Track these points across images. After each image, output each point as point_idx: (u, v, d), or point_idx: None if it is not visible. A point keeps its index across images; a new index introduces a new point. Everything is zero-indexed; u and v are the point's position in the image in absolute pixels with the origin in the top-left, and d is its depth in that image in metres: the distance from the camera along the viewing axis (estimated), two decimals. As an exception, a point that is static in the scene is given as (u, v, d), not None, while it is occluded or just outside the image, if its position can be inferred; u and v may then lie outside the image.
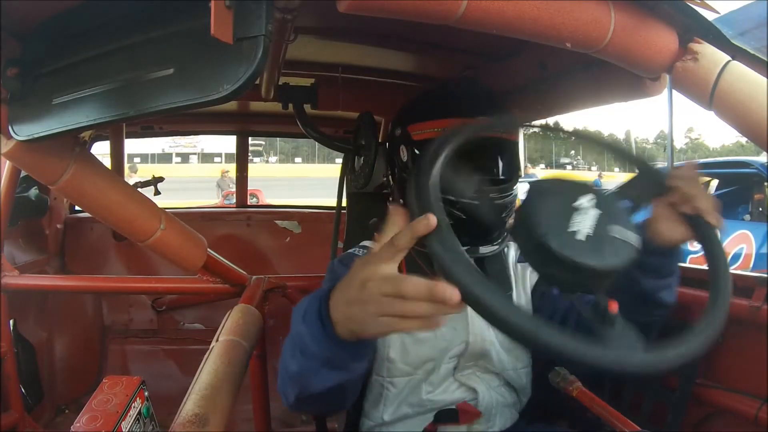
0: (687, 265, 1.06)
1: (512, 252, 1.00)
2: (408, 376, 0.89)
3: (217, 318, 1.03)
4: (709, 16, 0.73)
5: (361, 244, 0.99)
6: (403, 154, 0.93)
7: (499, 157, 0.89)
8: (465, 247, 0.82)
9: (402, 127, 0.94)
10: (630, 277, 0.75)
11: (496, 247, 0.91)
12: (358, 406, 0.95)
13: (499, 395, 0.92)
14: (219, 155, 27.94)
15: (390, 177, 1.01)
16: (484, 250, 0.89)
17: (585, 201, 0.57)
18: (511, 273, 0.97)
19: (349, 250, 0.98)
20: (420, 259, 0.89)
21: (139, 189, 1.11)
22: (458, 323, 0.90)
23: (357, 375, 0.63)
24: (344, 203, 1.42)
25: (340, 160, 1.43)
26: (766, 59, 0.77)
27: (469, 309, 0.86)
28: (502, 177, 0.88)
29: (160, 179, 1.91)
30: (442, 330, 0.89)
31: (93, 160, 0.91)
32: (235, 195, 2.51)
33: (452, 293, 0.47)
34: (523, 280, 0.97)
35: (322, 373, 0.60)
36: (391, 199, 1.03)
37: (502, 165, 0.89)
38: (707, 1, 0.71)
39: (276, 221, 2.22)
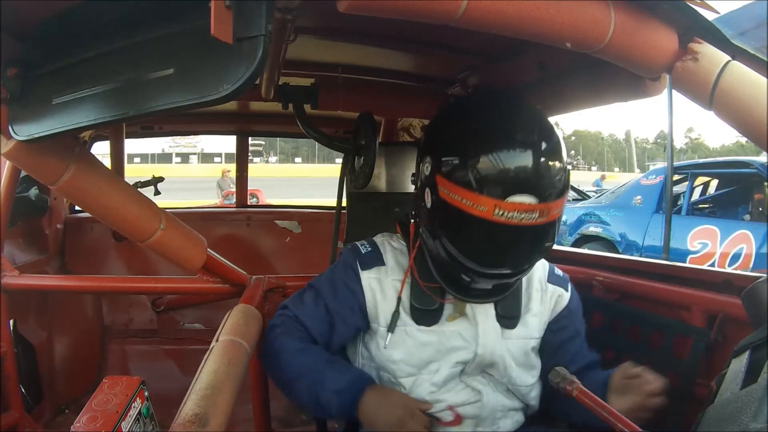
0: (682, 264, 1.07)
1: (540, 270, 0.98)
2: (412, 377, 0.90)
3: (217, 318, 1.03)
4: (709, 16, 0.73)
5: (374, 237, 0.99)
6: (427, 199, 0.84)
7: (519, 248, 0.80)
8: (468, 298, 0.89)
9: (431, 168, 0.82)
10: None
11: (505, 292, 0.90)
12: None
13: (506, 398, 0.92)
14: (219, 155, 27.92)
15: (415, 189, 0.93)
16: (492, 299, 0.90)
17: None
18: (534, 291, 0.96)
19: (359, 244, 0.97)
20: (429, 290, 0.90)
21: (139, 189, 1.11)
22: (467, 334, 0.90)
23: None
24: (344, 203, 1.42)
25: (340, 160, 1.43)
26: (766, 59, 0.77)
27: (480, 323, 0.90)
28: (515, 270, 0.83)
29: (160, 179, 1.91)
30: (447, 335, 0.90)
31: (93, 160, 0.91)
32: (235, 195, 2.51)
33: None
34: (545, 302, 0.96)
35: (314, 409, 0.93)
36: (413, 212, 0.94)
37: (523, 255, 0.82)
38: (707, 1, 0.71)
39: (276, 221, 2.22)
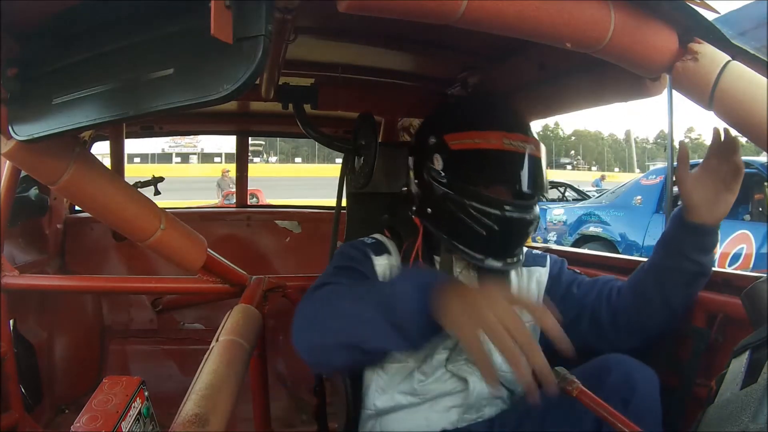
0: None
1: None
2: (400, 363, 0.91)
3: (217, 318, 1.03)
4: (709, 16, 0.73)
5: (371, 236, 1.00)
6: (438, 163, 0.93)
7: (529, 173, 0.90)
8: (489, 258, 0.91)
9: (437, 136, 0.93)
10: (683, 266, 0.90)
11: (517, 260, 0.94)
12: (357, 405, 0.96)
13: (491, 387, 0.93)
14: (219, 155, 27.93)
15: (414, 183, 0.99)
16: (509, 262, 0.92)
17: None
18: (512, 279, 1.00)
19: (360, 239, 0.99)
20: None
21: (139, 189, 1.11)
22: None
23: (401, 350, 0.72)
24: (344, 203, 1.42)
25: (340, 160, 1.43)
26: (766, 59, 0.77)
27: None
28: (529, 192, 0.91)
29: (160, 179, 1.90)
30: None
31: (93, 160, 0.91)
32: (235, 195, 2.51)
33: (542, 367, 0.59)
34: (522, 286, 1.00)
35: (383, 330, 0.67)
36: (414, 208, 1.00)
37: (532, 181, 0.91)
38: (707, 1, 0.71)
39: (276, 221, 2.22)
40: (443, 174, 0.92)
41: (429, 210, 0.95)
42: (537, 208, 0.93)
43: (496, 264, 0.91)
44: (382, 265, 0.94)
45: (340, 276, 0.89)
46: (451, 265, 0.96)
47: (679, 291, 0.93)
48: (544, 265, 1.03)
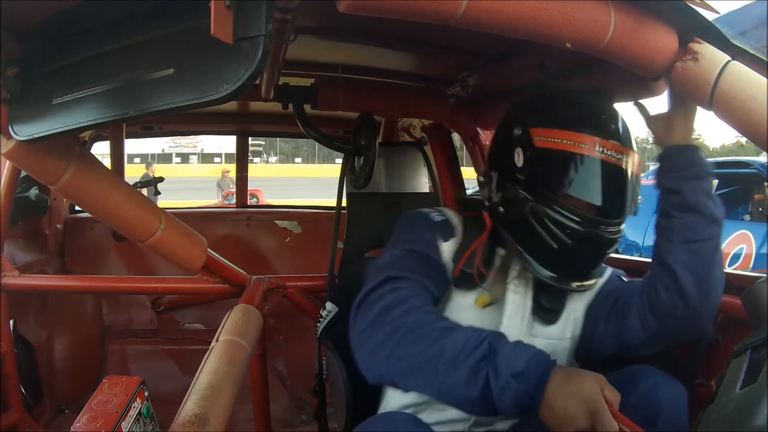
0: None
1: None
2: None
3: (217, 318, 1.03)
4: (709, 16, 0.73)
5: (436, 208, 0.96)
6: (518, 158, 0.83)
7: (618, 190, 0.82)
8: (558, 276, 0.84)
9: (522, 128, 0.83)
10: (672, 205, 0.86)
11: (593, 282, 0.88)
12: (357, 405, 0.96)
13: None
14: (219, 155, 27.90)
15: (490, 176, 0.90)
16: (580, 286, 0.86)
17: None
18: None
19: (424, 209, 0.94)
20: (483, 265, 0.88)
21: (139, 189, 1.11)
22: (493, 320, 0.87)
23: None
24: (344, 203, 1.42)
25: (340, 160, 1.43)
26: (766, 59, 0.77)
27: (507, 311, 0.88)
28: (614, 211, 0.83)
29: (160, 179, 1.91)
30: (477, 315, 0.87)
31: (93, 160, 0.91)
32: (235, 195, 2.51)
33: None
34: (581, 296, 0.94)
35: (468, 401, 0.69)
36: (486, 204, 0.91)
37: (620, 198, 0.83)
38: (707, 1, 0.71)
39: (276, 221, 2.22)
40: (521, 172, 0.82)
41: (501, 209, 0.86)
42: (622, 227, 0.85)
43: (566, 285, 0.84)
44: (448, 251, 0.89)
45: (410, 263, 0.84)
46: (509, 265, 0.90)
47: (672, 246, 0.85)
48: (602, 275, 0.95)
